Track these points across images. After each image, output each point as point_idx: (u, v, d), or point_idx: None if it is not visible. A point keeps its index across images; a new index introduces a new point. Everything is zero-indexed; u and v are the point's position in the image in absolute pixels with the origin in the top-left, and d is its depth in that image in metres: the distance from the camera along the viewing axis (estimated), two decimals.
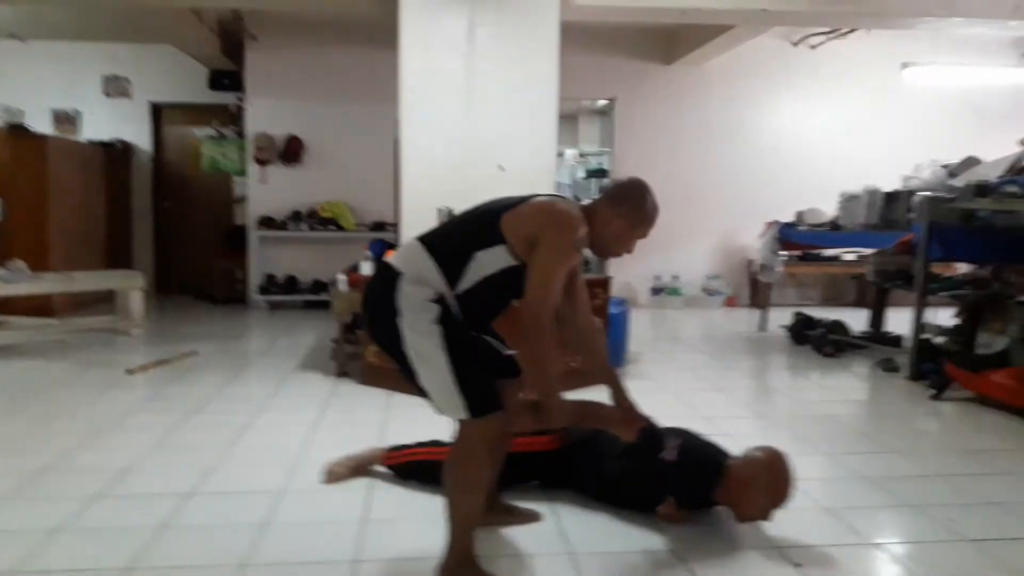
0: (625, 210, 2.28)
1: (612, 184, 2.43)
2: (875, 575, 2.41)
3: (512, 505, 2.71)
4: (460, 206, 4.74)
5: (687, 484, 2.60)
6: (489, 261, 2.15)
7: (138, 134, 8.81)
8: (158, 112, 8.89)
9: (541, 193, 2.31)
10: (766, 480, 2.54)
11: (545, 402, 2.21)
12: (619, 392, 2.52)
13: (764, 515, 2.56)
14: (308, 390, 4.54)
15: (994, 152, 5.43)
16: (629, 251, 2.38)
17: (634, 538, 2.54)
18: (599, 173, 9.81)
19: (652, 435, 2.56)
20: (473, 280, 2.16)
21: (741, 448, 3.47)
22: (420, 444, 3.02)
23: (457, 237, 2.24)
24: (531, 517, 2.67)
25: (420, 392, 2.20)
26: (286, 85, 8.05)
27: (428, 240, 2.25)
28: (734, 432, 3.75)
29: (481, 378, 2.16)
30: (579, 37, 7.36)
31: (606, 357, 2.59)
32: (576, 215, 2.21)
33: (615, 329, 4.97)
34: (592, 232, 2.26)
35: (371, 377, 4.57)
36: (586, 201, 2.38)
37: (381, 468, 3.06)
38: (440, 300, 2.14)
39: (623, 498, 2.72)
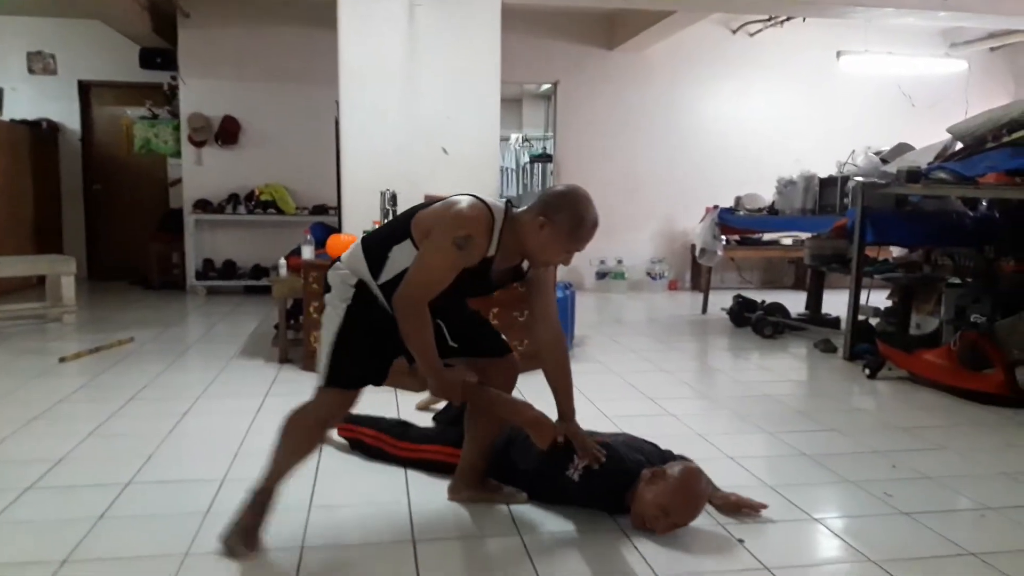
0: (554, 221, 2.18)
1: (546, 191, 2.31)
2: (815, 549, 2.47)
3: (498, 484, 2.71)
4: (403, 189, 4.76)
5: (588, 501, 2.55)
6: (402, 256, 2.23)
7: (65, 113, 8.50)
8: (86, 91, 8.58)
9: (464, 194, 2.27)
10: (669, 503, 2.40)
11: (429, 380, 2.30)
12: (565, 407, 2.47)
13: (660, 531, 2.43)
14: (249, 376, 4.46)
15: (924, 139, 5.61)
16: (564, 263, 2.31)
17: (581, 516, 2.55)
18: (543, 157, 9.84)
19: (563, 449, 2.47)
20: (391, 273, 2.24)
21: (680, 431, 3.55)
22: (365, 422, 3.10)
23: (383, 232, 2.36)
24: (514, 496, 2.67)
25: None
26: (222, 64, 7.84)
27: (365, 235, 2.41)
28: (678, 412, 3.82)
29: (354, 359, 2.26)
30: (521, 20, 7.34)
31: (565, 373, 2.48)
32: (471, 216, 2.17)
33: (561, 313, 4.97)
34: (520, 239, 2.23)
35: (313, 363, 4.49)
36: (521, 208, 2.29)
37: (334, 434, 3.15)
38: (360, 286, 2.27)
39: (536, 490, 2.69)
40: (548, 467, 2.56)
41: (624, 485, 2.49)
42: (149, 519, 2.53)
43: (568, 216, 2.18)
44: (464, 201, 2.21)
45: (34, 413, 3.65)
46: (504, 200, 2.32)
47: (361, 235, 2.47)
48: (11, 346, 5.16)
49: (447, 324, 2.43)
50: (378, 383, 2.37)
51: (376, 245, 2.30)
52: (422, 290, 2.18)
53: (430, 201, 2.34)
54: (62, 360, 4.70)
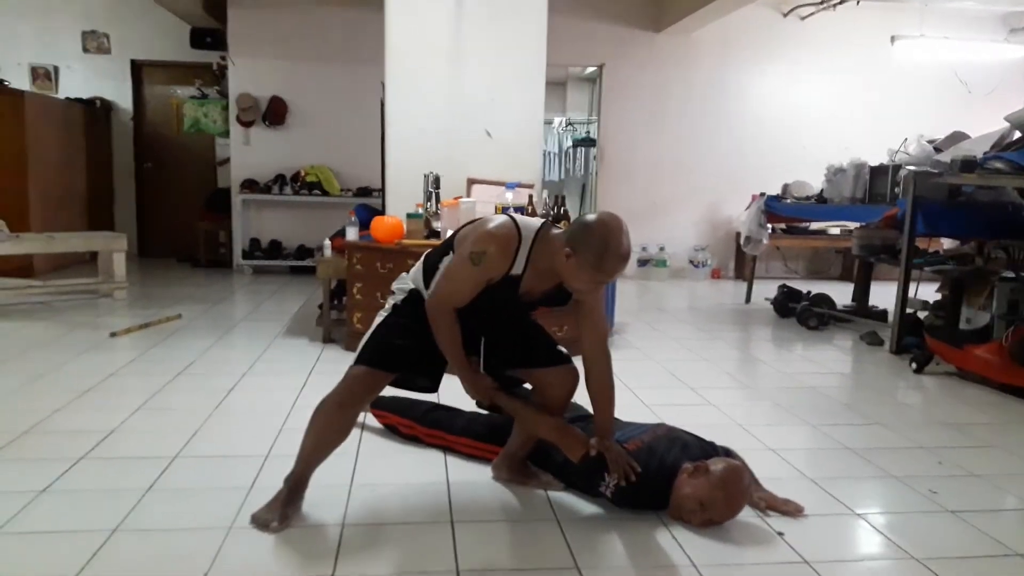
0: (579, 253, 2.14)
1: (577, 220, 2.28)
2: (856, 544, 2.44)
3: (536, 470, 2.74)
4: (447, 172, 4.77)
5: (625, 505, 2.51)
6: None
7: (118, 92, 8.67)
8: (138, 70, 8.73)
9: (511, 215, 2.35)
10: (708, 499, 2.38)
11: (459, 376, 2.43)
12: (603, 426, 2.47)
13: (696, 524, 2.42)
14: (294, 355, 4.53)
15: (981, 128, 5.44)
16: (592, 291, 2.30)
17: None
18: (587, 142, 9.77)
19: (595, 466, 2.45)
20: None
21: (721, 421, 3.52)
22: (399, 410, 3.16)
23: (441, 247, 2.46)
24: (551, 484, 2.69)
25: None
26: (270, 44, 7.92)
27: (429, 251, 2.52)
28: (718, 402, 3.80)
29: (387, 344, 2.38)
30: (568, 2, 7.29)
31: (609, 397, 2.47)
32: (493, 235, 2.22)
33: None
34: (552, 263, 2.22)
35: (357, 343, 4.53)
36: (557, 228, 2.30)
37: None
38: (412, 293, 2.43)
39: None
40: (581, 479, 2.58)
41: (661, 491, 2.46)
42: (195, 492, 2.60)
43: (593, 249, 2.12)
44: (496, 220, 2.29)
45: (86, 386, 3.76)
46: (542, 220, 2.35)
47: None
48: (64, 320, 5.31)
49: (494, 338, 2.50)
50: (423, 388, 2.52)
51: (434, 256, 2.44)
52: (444, 298, 2.31)
53: (478, 218, 2.44)
54: (113, 335, 4.83)
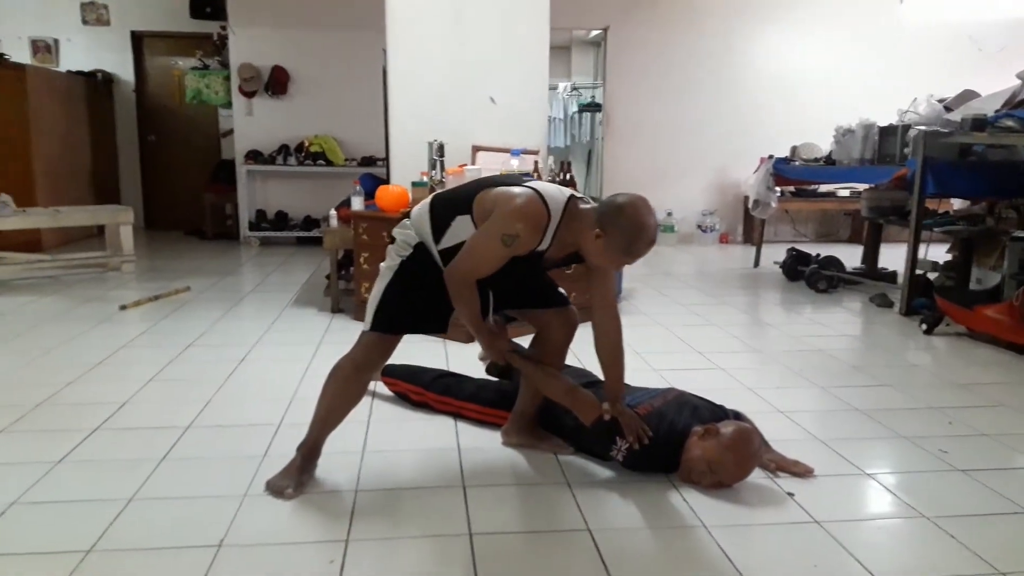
0: (609, 235, 2.16)
1: (608, 199, 2.24)
2: (866, 503, 2.44)
3: (547, 433, 2.76)
4: (452, 140, 4.73)
5: (635, 468, 2.53)
6: (462, 228, 2.30)
7: (119, 64, 8.61)
8: (139, 41, 8.66)
9: (536, 184, 2.29)
10: (717, 461, 2.39)
11: (477, 338, 2.45)
12: (613, 391, 2.49)
13: (705, 486, 2.44)
14: (302, 325, 4.55)
15: (992, 86, 5.37)
16: (616, 269, 2.34)
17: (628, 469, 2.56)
18: (592, 107, 9.68)
19: (607, 430, 2.47)
20: (451, 242, 2.32)
21: (730, 384, 3.53)
22: (410, 378, 3.18)
23: (452, 196, 2.41)
24: (562, 448, 2.71)
25: None
26: (270, 13, 7.85)
27: (435, 197, 2.45)
28: (727, 366, 3.80)
29: (398, 307, 2.37)
30: None
31: (619, 361, 2.48)
32: (524, 214, 2.17)
33: None
34: (576, 237, 2.24)
35: (365, 313, 4.55)
36: (586, 204, 2.28)
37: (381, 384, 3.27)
38: (419, 246, 2.37)
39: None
40: (593, 443, 2.59)
41: (672, 454, 2.47)
42: (209, 461, 2.62)
43: (623, 233, 2.15)
44: (523, 196, 2.21)
45: (98, 359, 3.78)
46: (568, 194, 2.29)
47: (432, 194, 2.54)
48: (74, 294, 5.33)
49: (503, 287, 2.49)
50: (433, 333, 2.50)
51: (443, 208, 2.36)
52: (469, 272, 2.28)
53: (497, 180, 2.39)
54: (123, 308, 4.85)
